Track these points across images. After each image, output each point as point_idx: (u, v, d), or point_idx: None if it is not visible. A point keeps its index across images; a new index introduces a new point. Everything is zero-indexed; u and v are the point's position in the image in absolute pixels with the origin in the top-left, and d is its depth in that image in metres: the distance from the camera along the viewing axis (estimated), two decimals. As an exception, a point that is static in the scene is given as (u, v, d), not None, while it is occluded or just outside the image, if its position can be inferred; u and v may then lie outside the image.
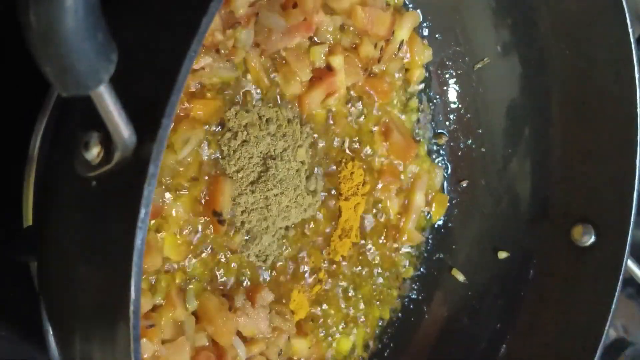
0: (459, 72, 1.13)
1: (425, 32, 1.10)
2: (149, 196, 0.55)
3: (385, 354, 1.12)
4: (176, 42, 0.57)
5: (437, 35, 1.11)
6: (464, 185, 1.16)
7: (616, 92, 0.96)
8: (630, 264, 1.05)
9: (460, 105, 1.14)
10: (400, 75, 1.09)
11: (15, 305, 0.84)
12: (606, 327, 0.98)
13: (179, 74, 0.55)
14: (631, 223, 0.98)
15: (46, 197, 0.64)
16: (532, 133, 1.09)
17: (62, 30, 0.46)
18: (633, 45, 0.93)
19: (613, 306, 0.98)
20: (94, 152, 0.57)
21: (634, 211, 0.97)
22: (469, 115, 1.14)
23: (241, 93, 0.88)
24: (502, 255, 1.10)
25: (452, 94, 1.14)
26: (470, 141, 1.15)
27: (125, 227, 0.55)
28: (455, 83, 1.14)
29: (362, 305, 1.08)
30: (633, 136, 0.96)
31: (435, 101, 1.15)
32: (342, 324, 1.06)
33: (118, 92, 0.53)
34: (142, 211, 0.55)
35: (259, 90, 0.90)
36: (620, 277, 0.98)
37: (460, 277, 1.13)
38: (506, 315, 1.09)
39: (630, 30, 0.93)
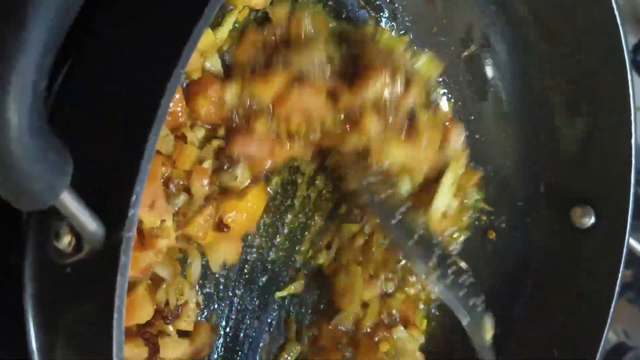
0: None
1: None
2: (122, 285, 0.55)
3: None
4: (135, 132, 0.55)
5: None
6: (461, 170, 1.14)
7: (609, 76, 0.95)
8: (633, 242, 1.04)
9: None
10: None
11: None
12: (611, 311, 0.98)
13: (142, 161, 0.54)
14: (630, 202, 0.97)
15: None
16: (529, 116, 1.07)
17: (11, 158, 0.45)
18: (621, 31, 0.90)
19: (617, 288, 0.97)
20: (65, 242, 0.56)
21: (632, 190, 0.96)
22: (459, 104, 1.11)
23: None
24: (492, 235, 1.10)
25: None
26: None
27: (102, 316, 0.55)
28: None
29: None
30: (628, 117, 0.95)
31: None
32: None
33: (79, 184, 0.52)
34: (117, 302, 0.55)
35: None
36: (623, 257, 0.97)
37: (463, 264, 1.12)
38: (505, 301, 1.08)
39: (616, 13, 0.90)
